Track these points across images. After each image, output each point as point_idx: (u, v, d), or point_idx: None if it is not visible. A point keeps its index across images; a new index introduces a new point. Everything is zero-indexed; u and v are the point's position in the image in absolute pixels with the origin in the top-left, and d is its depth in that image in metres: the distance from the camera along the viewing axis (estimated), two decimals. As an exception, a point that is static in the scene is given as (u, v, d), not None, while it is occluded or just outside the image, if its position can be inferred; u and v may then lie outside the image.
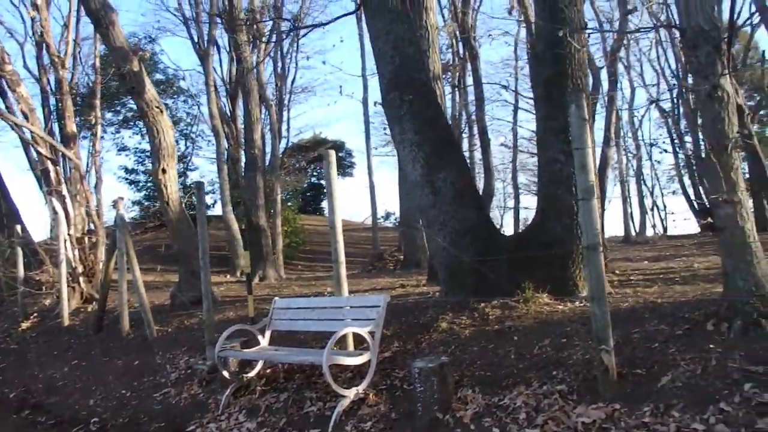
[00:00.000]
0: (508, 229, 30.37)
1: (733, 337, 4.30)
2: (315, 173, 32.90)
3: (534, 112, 8.41)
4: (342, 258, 5.83)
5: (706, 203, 21.83)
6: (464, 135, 24.30)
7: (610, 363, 4.01)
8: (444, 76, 22.64)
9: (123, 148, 28.68)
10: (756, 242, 4.55)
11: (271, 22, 18.59)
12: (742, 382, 3.61)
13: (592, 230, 4.12)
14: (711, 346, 4.18)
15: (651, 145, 29.52)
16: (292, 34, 19.45)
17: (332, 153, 5.99)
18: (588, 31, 6.55)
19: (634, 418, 3.62)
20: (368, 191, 24.44)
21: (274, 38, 19.43)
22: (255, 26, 17.54)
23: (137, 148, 28.76)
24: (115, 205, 9.65)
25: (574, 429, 3.73)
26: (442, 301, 6.75)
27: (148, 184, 28.07)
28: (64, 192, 12.46)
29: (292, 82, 24.00)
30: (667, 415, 3.55)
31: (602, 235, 18.20)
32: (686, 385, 3.78)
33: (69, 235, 11.86)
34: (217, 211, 23.26)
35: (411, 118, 6.85)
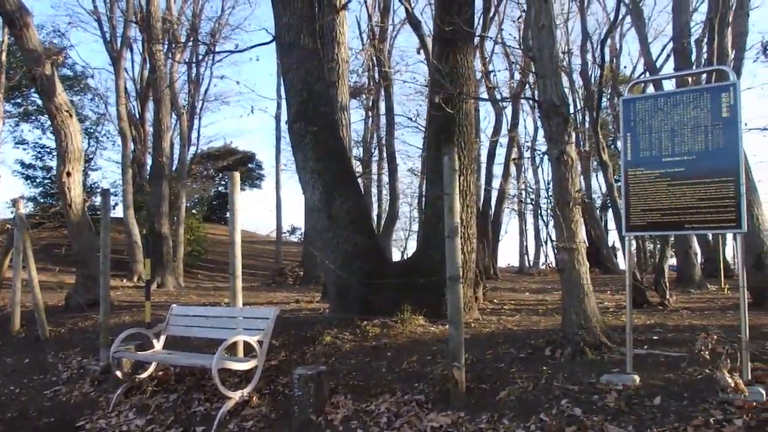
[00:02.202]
0: (410, 252, 31.34)
1: (563, 362, 5.20)
2: (223, 182, 32.65)
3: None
4: (239, 272, 6.32)
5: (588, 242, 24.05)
6: (374, 158, 25.11)
7: (460, 378, 4.77)
8: (358, 99, 23.52)
9: (21, 142, 27.35)
10: (588, 284, 5.52)
11: (187, 29, 18.67)
12: (560, 398, 4.44)
13: (454, 264, 4.90)
14: (544, 368, 5.04)
15: (547, 189, 31.56)
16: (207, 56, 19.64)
17: (236, 174, 6.50)
18: (470, 98, 7.43)
19: (473, 425, 4.36)
20: (275, 205, 24.74)
21: (187, 53, 19.48)
22: (171, 33, 17.63)
23: (37, 143, 27.53)
24: (14, 204, 9.59)
25: (425, 432, 4.44)
26: (330, 318, 7.40)
27: (45, 181, 26.92)
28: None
29: (206, 91, 23.99)
30: (500, 422, 4.31)
31: (495, 265, 19.37)
32: (518, 398, 4.58)
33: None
34: (119, 213, 22.74)
35: (314, 148, 7.49)
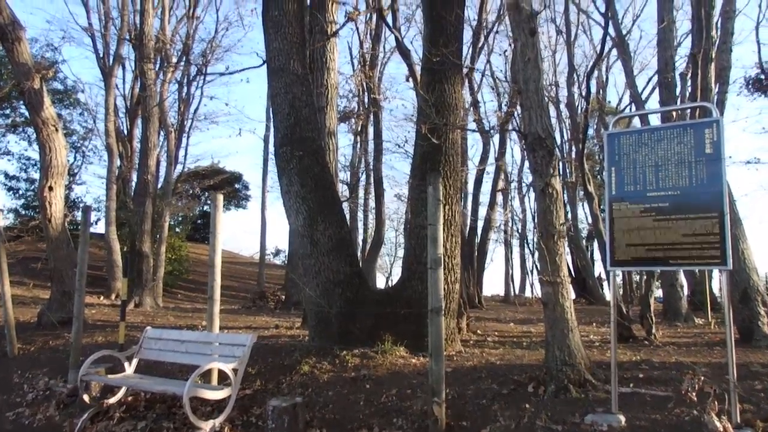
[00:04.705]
0: (395, 278, 31.11)
1: (547, 399, 5.08)
2: (208, 202, 32.35)
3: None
4: (217, 295, 6.17)
5: (575, 272, 24.12)
6: (361, 183, 25.04)
7: (440, 414, 4.64)
8: (347, 123, 23.53)
9: (6, 153, 27.01)
10: (572, 318, 5.42)
11: (180, 50, 18.66)
12: (543, 437, 4.33)
13: (436, 296, 4.79)
14: (527, 405, 4.92)
15: (533, 218, 31.63)
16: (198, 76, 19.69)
17: (220, 197, 6.39)
18: (456, 128, 7.42)
19: (452, 463, 4.23)
20: (260, 226, 24.52)
21: (179, 73, 19.48)
22: (164, 52, 17.60)
23: (22, 154, 27.20)
24: (-8, 216, 9.38)
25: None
26: (309, 346, 7.22)
27: (28, 193, 26.54)
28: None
29: (195, 110, 23.87)
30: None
31: (479, 294, 19.23)
32: (500, 437, 4.45)
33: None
34: (100, 229, 22.37)
35: (299, 173, 7.40)
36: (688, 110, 9.71)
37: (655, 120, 12.94)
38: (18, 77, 10.01)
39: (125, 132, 20.65)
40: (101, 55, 19.16)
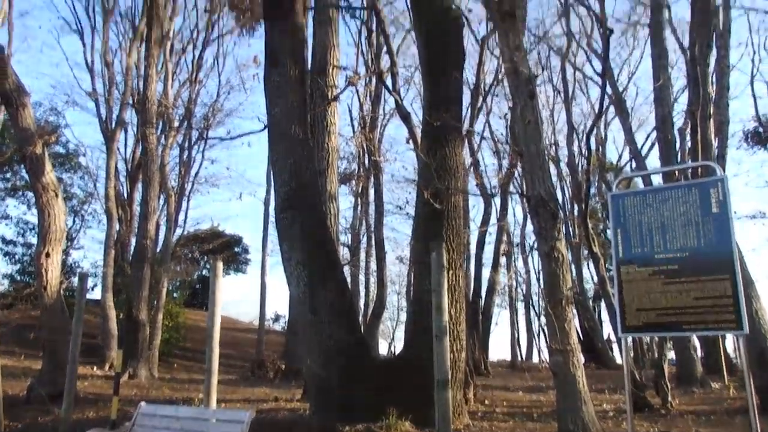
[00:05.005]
0: (398, 343, 30.44)
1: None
2: (207, 266, 32.14)
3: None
4: (215, 367, 5.92)
5: (582, 335, 23.57)
6: (362, 245, 24.86)
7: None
8: (348, 185, 23.60)
9: (5, 216, 26.99)
10: (585, 388, 5.17)
11: (182, 114, 18.94)
12: None
13: (442, 367, 4.58)
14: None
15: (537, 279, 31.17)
16: (199, 141, 19.96)
17: (219, 264, 6.23)
18: (459, 192, 7.36)
19: None
20: (260, 291, 24.14)
21: (180, 136, 19.75)
22: (166, 116, 17.84)
23: (21, 218, 27.16)
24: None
25: None
26: (309, 421, 6.89)
27: (25, 258, 26.34)
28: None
29: (196, 173, 23.96)
30: None
31: (486, 360, 18.73)
32: None
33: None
34: (96, 295, 22.06)
35: (300, 239, 7.26)
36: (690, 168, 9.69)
37: (657, 177, 12.95)
38: (20, 142, 10.02)
39: (125, 195, 20.62)
40: (104, 119, 19.40)
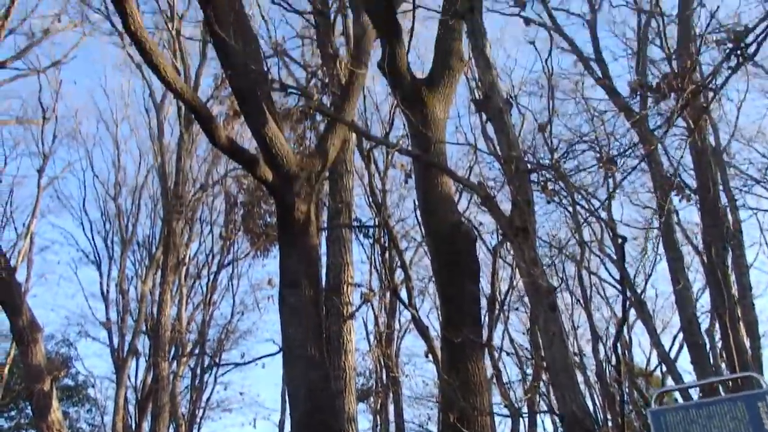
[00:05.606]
0: None
1: None
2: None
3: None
4: None
5: None
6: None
7: None
8: (366, 402, 22.57)
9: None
10: None
11: (195, 338, 18.92)
12: None
13: None
14: None
15: None
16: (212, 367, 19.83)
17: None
18: (486, 414, 6.98)
19: None
20: None
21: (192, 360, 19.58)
22: (178, 341, 17.80)
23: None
24: None
25: None
26: None
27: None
28: None
29: (208, 399, 23.16)
30: None
31: None
32: None
33: None
34: None
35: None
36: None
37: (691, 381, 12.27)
38: (28, 380, 9.86)
39: (133, 427, 19.79)
40: (116, 348, 19.33)
